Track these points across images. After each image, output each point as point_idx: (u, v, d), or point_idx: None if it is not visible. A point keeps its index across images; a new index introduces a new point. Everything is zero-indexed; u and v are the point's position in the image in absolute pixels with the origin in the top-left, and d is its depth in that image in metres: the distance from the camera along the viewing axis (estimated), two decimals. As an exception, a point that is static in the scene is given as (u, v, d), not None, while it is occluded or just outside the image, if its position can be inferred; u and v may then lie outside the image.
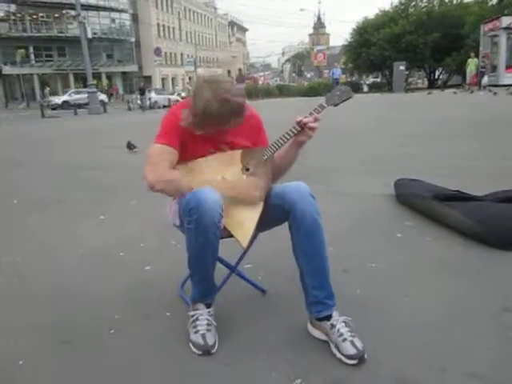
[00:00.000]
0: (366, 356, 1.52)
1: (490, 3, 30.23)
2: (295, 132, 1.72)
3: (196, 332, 1.67)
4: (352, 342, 1.54)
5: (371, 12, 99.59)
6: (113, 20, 44.50)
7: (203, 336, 1.65)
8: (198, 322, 1.70)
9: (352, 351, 1.52)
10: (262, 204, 1.71)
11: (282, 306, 1.95)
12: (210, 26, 69.48)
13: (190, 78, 47.41)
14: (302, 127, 1.70)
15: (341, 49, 42.59)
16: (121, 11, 44.66)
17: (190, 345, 1.66)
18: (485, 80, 20.89)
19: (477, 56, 23.16)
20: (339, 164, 5.12)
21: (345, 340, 1.55)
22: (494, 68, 23.43)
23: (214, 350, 1.63)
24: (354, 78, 41.39)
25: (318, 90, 26.42)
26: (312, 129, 1.70)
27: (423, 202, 3.02)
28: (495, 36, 23.59)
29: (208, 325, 1.69)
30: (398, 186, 3.50)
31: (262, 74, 77.90)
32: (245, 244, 1.69)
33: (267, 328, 1.77)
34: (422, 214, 3.02)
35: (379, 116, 11.17)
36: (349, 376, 1.46)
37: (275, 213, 1.69)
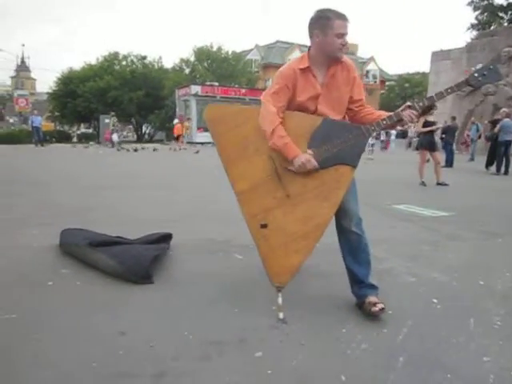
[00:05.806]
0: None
1: (184, 72, 35.06)
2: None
3: None
4: None
5: (76, 63, 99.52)
6: None
7: None
8: None
9: None
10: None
11: None
12: None
13: None
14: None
15: (48, 96, 40.42)
16: None
17: None
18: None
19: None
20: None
21: None
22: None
23: None
24: (63, 127, 40.08)
25: (20, 137, 24.52)
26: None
27: (79, 250, 3.23)
28: (187, 101, 27.51)
29: None
30: (62, 235, 3.60)
31: None
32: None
33: None
34: (80, 261, 3.24)
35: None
36: None
37: None
